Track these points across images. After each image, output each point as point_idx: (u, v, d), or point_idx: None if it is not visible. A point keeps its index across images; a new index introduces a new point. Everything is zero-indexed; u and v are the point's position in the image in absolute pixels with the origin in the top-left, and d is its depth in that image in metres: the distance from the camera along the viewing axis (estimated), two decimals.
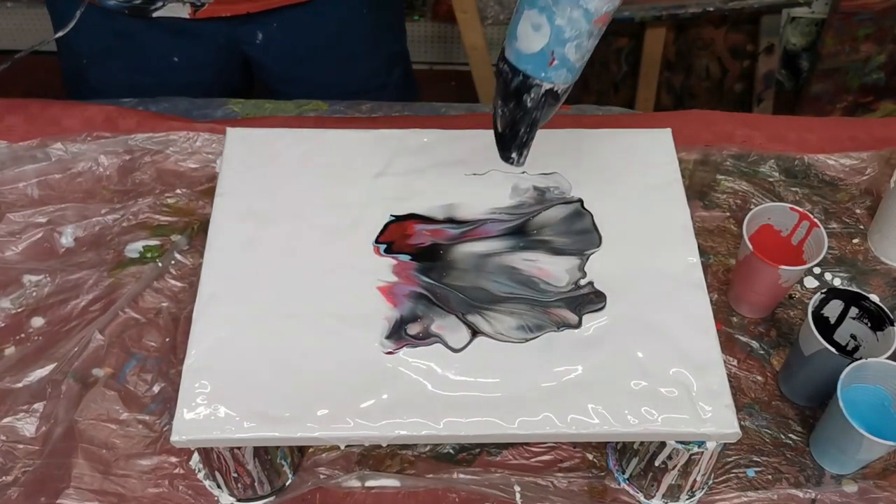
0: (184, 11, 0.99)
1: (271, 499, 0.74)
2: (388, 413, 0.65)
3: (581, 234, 0.76)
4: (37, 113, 0.98)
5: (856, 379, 0.73)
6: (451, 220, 0.77)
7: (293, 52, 1.09)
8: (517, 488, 0.74)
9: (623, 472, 0.76)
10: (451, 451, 0.77)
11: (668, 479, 0.72)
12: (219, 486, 0.74)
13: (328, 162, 0.80)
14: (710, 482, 0.75)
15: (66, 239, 0.89)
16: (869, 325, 0.77)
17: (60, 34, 0.90)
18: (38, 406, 0.77)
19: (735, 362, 0.83)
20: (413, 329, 0.69)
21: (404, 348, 0.68)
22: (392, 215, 0.77)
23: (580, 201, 0.79)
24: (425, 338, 0.69)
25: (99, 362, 0.80)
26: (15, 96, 1.01)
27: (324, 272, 0.73)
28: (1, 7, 2.08)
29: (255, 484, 0.72)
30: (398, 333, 0.69)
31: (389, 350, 0.68)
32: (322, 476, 0.75)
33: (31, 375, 0.79)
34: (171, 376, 0.79)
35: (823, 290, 0.77)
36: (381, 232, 0.75)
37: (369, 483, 0.75)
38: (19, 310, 0.84)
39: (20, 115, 0.97)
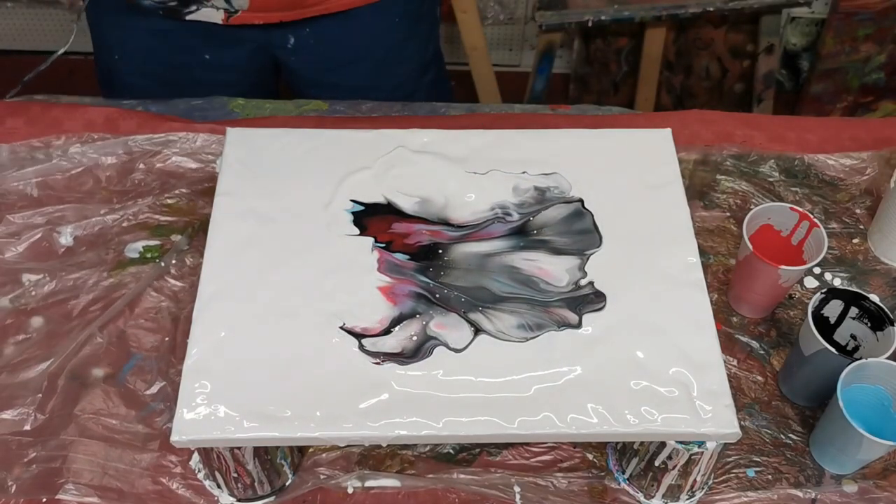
0: (217, 17, 1.00)
1: (271, 499, 0.74)
2: (388, 413, 0.65)
3: (581, 234, 0.76)
4: (38, 115, 0.98)
5: (856, 379, 0.73)
6: (449, 221, 0.77)
7: (324, 58, 1.09)
8: (517, 489, 0.74)
9: (623, 472, 0.76)
10: (451, 451, 0.77)
11: (668, 479, 0.72)
12: (219, 486, 0.74)
13: (328, 162, 0.80)
14: (710, 482, 0.75)
15: (66, 239, 0.89)
16: (869, 325, 0.77)
17: (61, 52, 0.91)
18: (38, 402, 0.77)
19: (735, 362, 0.83)
20: (403, 341, 0.69)
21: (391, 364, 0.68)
22: (352, 200, 0.77)
23: (580, 201, 0.79)
24: (421, 345, 0.69)
25: (99, 361, 0.80)
26: (17, 95, 1.01)
27: (324, 272, 0.73)
28: (1, 7, 2.08)
29: (255, 484, 0.72)
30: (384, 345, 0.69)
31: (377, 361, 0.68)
32: (322, 476, 0.75)
33: (31, 372, 0.79)
34: (171, 376, 0.79)
35: (823, 290, 0.77)
36: (356, 219, 0.76)
37: (369, 483, 0.75)
38: (19, 309, 0.84)
39: (22, 118, 0.97)
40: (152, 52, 1.07)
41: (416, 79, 1.18)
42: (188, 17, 1.00)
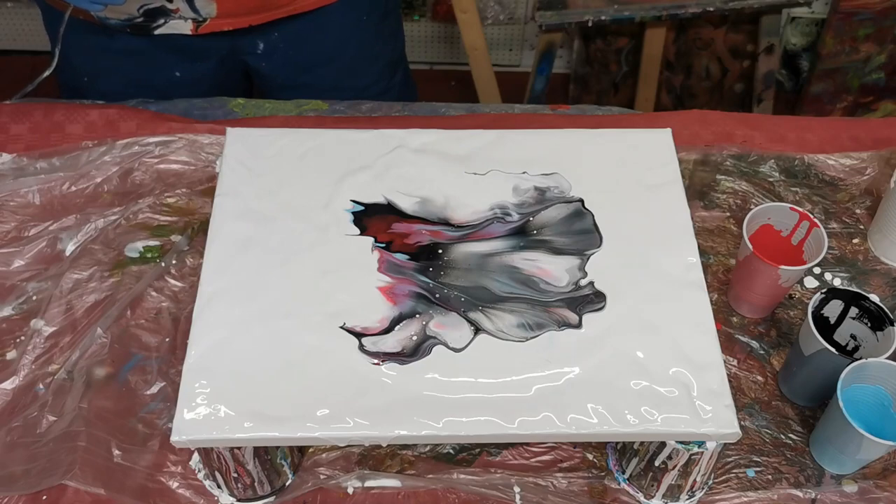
0: (186, 28, 0.99)
1: (271, 499, 0.74)
2: (388, 413, 0.65)
3: (581, 233, 0.76)
4: (41, 120, 0.98)
5: (856, 379, 0.73)
6: (450, 221, 0.77)
7: (294, 60, 1.09)
8: (517, 489, 0.74)
9: (623, 472, 0.76)
10: (451, 451, 0.77)
11: (668, 479, 0.72)
12: (219, 486, 0.74)
13: (328, 162, 0.80)
14: (710, 482, 0.75)
15: (68, 245, 0.88)
16: (869, 325, 0.77)
17: (50, 69, 0.91)
18: (40, 404, 0.77)
19: (735, 362, 0.83)
20: (403, 340, 0.69)
21: (390, 363, 0.68)
22: (352, 200, 0.77)
23: (581, 201, 0.79)
24: (420, 344, 0.69)
25: (99, 361, 0.80)
26: (19, 95, 1.02)
27: (324, 272, 0.73)
28: (1, 7, 2.09)
29: (255, 484, 0.72)
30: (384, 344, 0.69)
31: (375, 361, 0.68)
32: (322, 476, 0.75)
33: (33, 374, 0.79)
34: (172, 376, 0.79)
35: (823, 290, 0.77)
36: (356, 219, 0.76)
37: (369, 483, 0.75)
38: (21, 312, 0.84)
39: (25, 124, 0.98)
40: (121, 72, 1.06)
41: (387, 79, 1.18)
42: (157, 32, 0.99)
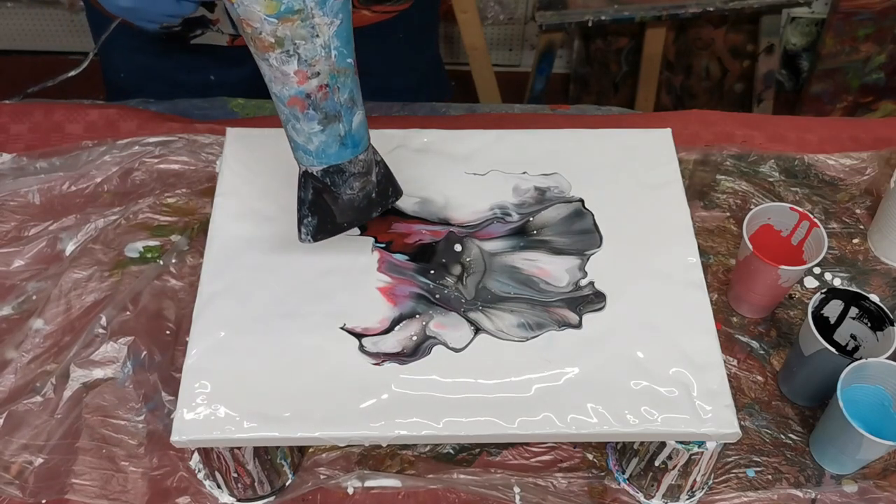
0: (222, 40, 1.00)
1: (271, 499, 0.74)
2: (388, 413, 0.65)
3: (581, 234, 0.76)
4: (41, 120, 0.98)
5: (856, 379, 0.73)
6: (450, 221, 0.77)
7: None
8: (517, 489, 0.74)
9: (623, 472, 0.76)
10: (451, 451, 0.77)
11: (668, 479, 0.72)
12: (219, 486, 0.74)
13: None
14: (710, 482, 0.75)
15: (69, 245, 0.88)
16: (869, 325, 0.77)
17: (77, 71, 0.92)
18: (41, 405, 0.77)
19: (735, 362, 0.83)
20: (403, 341, 0.69)
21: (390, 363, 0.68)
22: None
23: (581, 201, 0.79)
24: (420, 344, 0.69)
25: (99, 361, 0.80)
26: (22, 95, 1.02)
27: (324, 272, 0.73)
28: (1, 7, 2.09)
29: (255, 484, 0.72)
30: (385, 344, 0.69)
31: (376, 362, 0.68)
32: (322, 476, 0.75)
33: (33, 375, 0.79)
34: (172, 376, 0.79)
35: (823, 290, 0.77)
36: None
37: (369, 483, 0.75)
38: (21, 312, 0.84)
39: (25, 124, 0.98)
40: (157, 72, 1.06)
41: (414, 89, 1.18)
42: (193, 42, 1.00)
